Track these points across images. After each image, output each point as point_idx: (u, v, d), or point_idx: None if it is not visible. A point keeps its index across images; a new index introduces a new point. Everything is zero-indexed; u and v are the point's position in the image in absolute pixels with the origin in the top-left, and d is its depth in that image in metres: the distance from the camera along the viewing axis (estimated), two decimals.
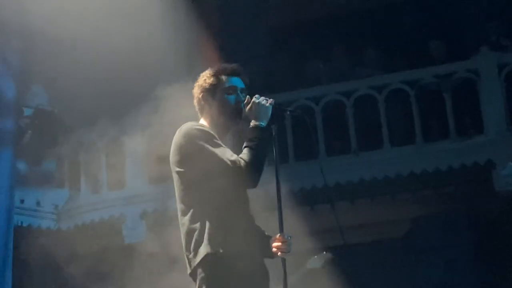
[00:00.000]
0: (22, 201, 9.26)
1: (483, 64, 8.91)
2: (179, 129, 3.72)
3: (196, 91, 3.86)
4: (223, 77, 3.82)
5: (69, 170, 9.89)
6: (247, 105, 3.74)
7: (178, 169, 3.69)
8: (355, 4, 10.22)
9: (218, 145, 3.62)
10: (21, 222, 9.20)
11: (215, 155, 3.58)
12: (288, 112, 4.01)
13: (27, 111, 9.12)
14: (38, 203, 9.55)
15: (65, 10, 6.84)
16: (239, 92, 3.81)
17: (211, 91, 3.80)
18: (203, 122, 3.83)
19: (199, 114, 3.88)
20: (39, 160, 9.62)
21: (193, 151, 3.62)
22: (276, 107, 3.78)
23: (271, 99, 3.77)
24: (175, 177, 3.73)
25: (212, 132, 3.68)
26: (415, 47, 9.65)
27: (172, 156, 3.73)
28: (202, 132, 3.65)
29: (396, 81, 9.21)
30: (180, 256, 3.66)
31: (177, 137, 3.71)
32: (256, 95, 3.76)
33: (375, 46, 10.00)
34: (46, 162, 9.70)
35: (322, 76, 10.03)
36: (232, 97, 3.80)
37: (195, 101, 3.87)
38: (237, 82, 3.84)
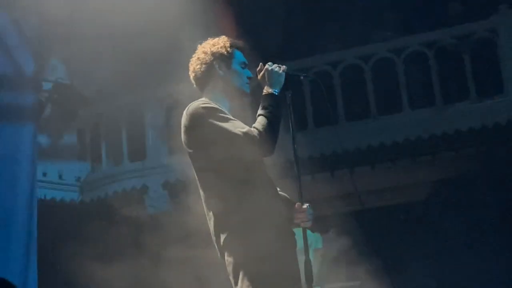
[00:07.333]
0: (44, 174, 9.33)
1: (502, 23, 8.81)
2: (186, 109, 3.57)
3: (205, 58, 3.69)
4: (237, 51, 3.73)
5: (90, 143, 9.95)
6: (260, 73, 3.67)
7: (190, 150, 3.57)
8: None
9: (228, 119, 3.48)
10: (45, 195, 9.29)
11: (225, 130, 3.43)
12: (302, 77, 3.93)
13: (46, 85, 9.15)
14: (60, 176, 9.63)
15: None
16: (247, 69, 3.76)
17: (228, 60, 3.69)
18: (206, 96, 3.67)
19: (199, 84, 3.72)
20: (60, 133, 9.68)
21: (202, 130, 3.47)
22: (289, 73, 3.71)
23: (284, 66, 3.70)
24: (190, 159, 3.60)
25: (219, 107, 3.55)
26: (433, 8, 9.55)
27: (183, 139, 3.59)
28: (209, 109, 3.50)
29: (414, 44, 9.14)
30: (203, 226, 3.65)
31: (184, 118, 3.56)
32: (269, 63, 3.68)
33: (392, 8, 9.90)
34: (67, 135, 9.77)
35: (339, 41, 9.96)
36: (246, 71, 3.72)
37: (200, 68, 3.70)
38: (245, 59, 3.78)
